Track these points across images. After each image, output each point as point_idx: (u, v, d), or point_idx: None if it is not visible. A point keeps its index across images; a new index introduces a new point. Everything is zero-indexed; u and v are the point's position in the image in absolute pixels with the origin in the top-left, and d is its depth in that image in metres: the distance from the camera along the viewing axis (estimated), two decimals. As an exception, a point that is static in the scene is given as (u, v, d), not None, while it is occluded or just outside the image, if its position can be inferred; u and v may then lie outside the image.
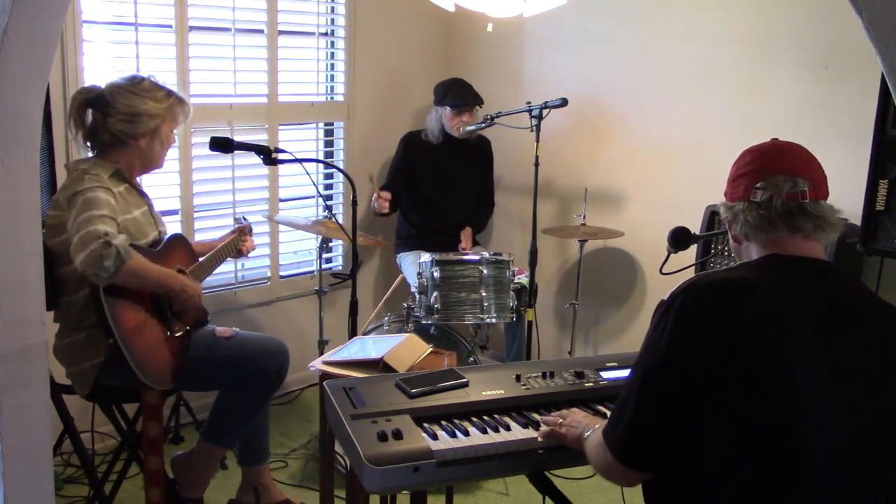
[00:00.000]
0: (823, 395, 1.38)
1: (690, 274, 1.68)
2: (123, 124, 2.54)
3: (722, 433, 1.39)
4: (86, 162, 2.55)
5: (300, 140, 4.09)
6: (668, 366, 1.43)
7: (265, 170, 3.76)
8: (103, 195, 2.40)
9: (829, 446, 1.38)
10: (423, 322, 3.28)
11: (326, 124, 4.16)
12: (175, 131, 2.73)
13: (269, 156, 2.74)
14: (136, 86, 2.57)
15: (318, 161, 3.87)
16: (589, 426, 1.68)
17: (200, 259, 2.79)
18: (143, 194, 2.71)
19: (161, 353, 2.48)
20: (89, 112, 2.55)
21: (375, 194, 3.83)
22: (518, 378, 1.99)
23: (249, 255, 3.09)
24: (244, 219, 3.11)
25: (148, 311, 2.48)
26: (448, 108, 3.92)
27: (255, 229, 3.82)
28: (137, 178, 2.73)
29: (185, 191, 3.52)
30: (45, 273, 2.45)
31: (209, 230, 3.66)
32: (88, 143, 2.60)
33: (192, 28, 3.45)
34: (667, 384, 1.43)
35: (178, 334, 2.57)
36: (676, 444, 1.44)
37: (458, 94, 3.91)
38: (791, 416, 1.36)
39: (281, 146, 3.30)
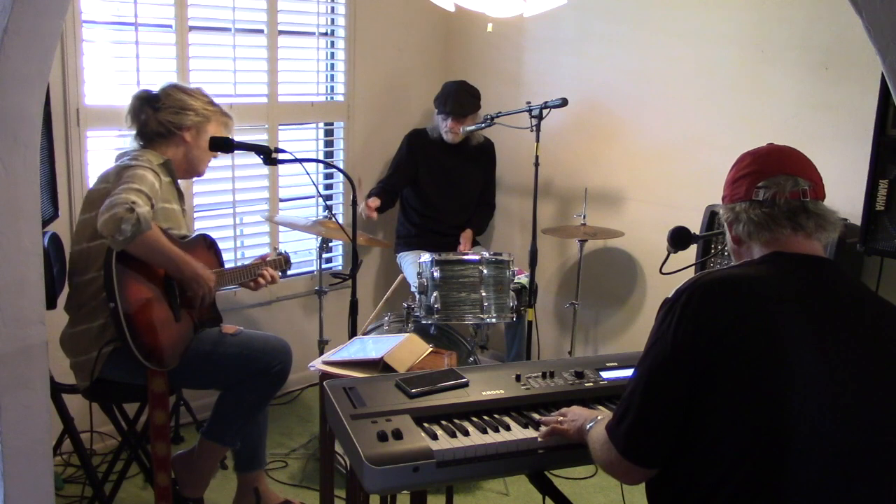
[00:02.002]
0: (825, 395, 1.39)
1: (690, 274, 1.68)
2: (172, 115, 2.70)
3: (725, 431, 1.39)
4: (138, 150, 2.68)
5: (300, 140, 4.09)
6: (673, 362, 1.43)
7: (265, 170, 3.76)
8: (150, 175, 2.50)
9: (830, 446, 1.38)
10: (423, 322, 3.28)
11: (326, 124, 4.16)
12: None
13: (269, 156, 2.74)
14: (187, 88, 2.78)
15: (318, 161, 3.87)
16: (590, 418, 1.69)
17: (226, 267, 2.82)
18: (181, 195, 2.78)
19: (162, 334, 2.50)
20: (145, 109, 2.71)
21: (363, 203, 3.82)
22: (518, 378, 1.99)
23: (267, 286, 2.98)
24: (277, 251, 3.08)
25: (157, 293, 2.51)
26: (439, 113, 3.94)
27: (256, 229, 3.86)
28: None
29: (185, 191, 3.51)
30: (53, 268, 2.52)
31: (209, 230, 3.66)
32: (139, 137, 2.73)
33: (192, 28, 3.45)
34: (672, 380, 1.44)
35: (183, 322, 2.58)
36: (680, 442, 1.44)
37: (445, 102, 3.89)
38: (792, 415, 1.36)
39: (281, 146, 3.30)
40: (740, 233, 1.57)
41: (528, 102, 3.44)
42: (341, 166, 4.08)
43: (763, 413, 1.37)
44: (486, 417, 1.85)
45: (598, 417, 1.66)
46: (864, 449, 1.42)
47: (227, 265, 2.87)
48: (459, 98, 3.89)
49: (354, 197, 2.88)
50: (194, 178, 3.06)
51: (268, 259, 2.98)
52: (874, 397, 1.43)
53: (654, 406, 1.46)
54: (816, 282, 1.50)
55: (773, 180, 1.53)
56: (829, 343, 1.42)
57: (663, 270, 2.32)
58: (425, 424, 1.77)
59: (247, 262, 3.02)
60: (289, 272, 3.20)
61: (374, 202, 3.84)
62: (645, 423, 1.47)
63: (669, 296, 1.49)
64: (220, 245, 3.11)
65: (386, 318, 3.37)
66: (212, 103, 2.79)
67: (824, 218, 1.53)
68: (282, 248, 3.18)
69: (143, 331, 2.43)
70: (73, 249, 2.59)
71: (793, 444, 1.36)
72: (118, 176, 2.48)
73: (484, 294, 3.27)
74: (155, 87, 2.76)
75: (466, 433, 1.75)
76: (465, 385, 1.94)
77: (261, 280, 2.93)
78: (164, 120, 2.68)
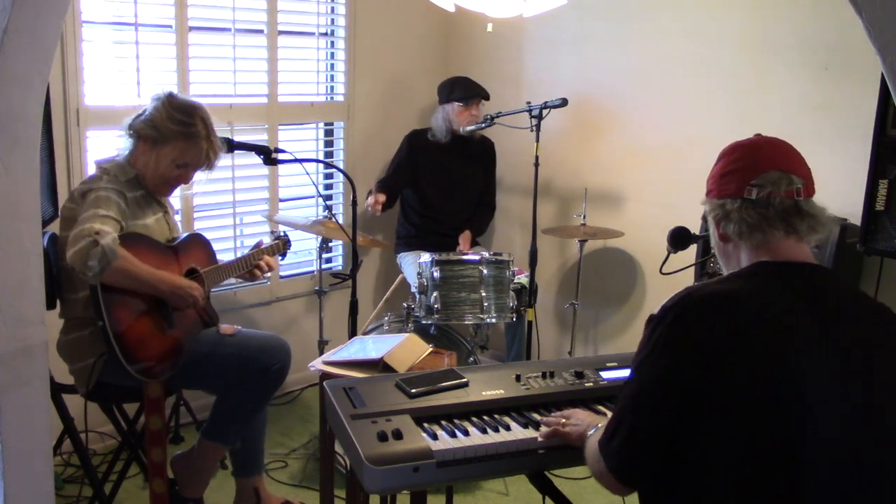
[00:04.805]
0: (828, 404, 1.36)
1: (690, 274, 1.67)
2: (138, 122, 2.58)
3: (726, 447, 1.35)
4: (109, 162, 2.59)
5: (300, 140, 4.09)
6: (662, 383, 1.40)
7: (265, 170, 3.76)
8: (114, 196, 2.44)
9: (836, 455, 1.36)
10: (423, 322, 3.28)
11: (326, 124, 4.16)
12: (177, 163, 2.59)
13: (269, 156, 2.74)
14: (174, 100, 2.59)
15: (318, 161, 3.88)
16: (592, 424, 1.67)
17: (220, 262, 2.79)
18: (159, 203, 2.70)
19: (154, 345, 2.48)
20: (149, 106, 2.61)
21: (372, 198, 3.81)
22: (518, 378, 1.99)
23: (266, 275, 2.97)
24: (274, 234, 3.02)
25: (148, 303, 2.48)
26: (456, 102, 3.93)
27: (255, 230, 3.85)
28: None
29: (184, 190, 3.51)
30: (54, 267, 2.51)
31: (209, 230, 3.66)
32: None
33: (192, 28, 3.45)
34: (662, 401, 1.40)
35: (176, 330, 2.56)
36: (674, 460, 1.41)
37: (465, 88, 3.93)
38: (798, 426, 1.34)
39: (281, 146, 3.30)
40: (730, 232, 1.52)
41: (528, 102, 3.45)
42: (341, 166, 4.08)
43: (769, 427, 1.34)
44: (486, 417, 1.85)
45: (599, 425, 1.63)
46: (870, 454, 1.39)
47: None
48: (466, 84, 3.94)
49: (354, 197, 2.88)
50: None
51: (263, 246, 2.94)
52: (877, 401, 1.40)
53: (644, 428, 1.42)
54: (809, 292, 1.45)
55: (765, 178, 1.47)
56: (825, 350, 1.38)
57: (663, 270, 2.32)
58: (425, 424, 1.77)
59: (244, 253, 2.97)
60: (288, 254, 3.14)
61: (381, 197, 3.83)
62: (635, 444, 1.43)
63: (655, 312, 1.45)
64: (221, 245, 3.12)
65: (386, 318, 3.37)
66: (180, 123, 2.54)
67: (817, 219, 1.48)
68: (281, 230, 3.11)
69: (135, 345, 2.41)
70: (59, 265, 2.54)
71: (802, 455, 1.33)
72: (83, 198, 2.43)
73: (484, 294, 3.26)
74: (172, 92, 2.63)
75: (466, 433, 1.75)
76: (465, 385, 1.94)
77: (257, 272, 2.89)
78: (135, 122, 2.58)
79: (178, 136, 2.56)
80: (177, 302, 2.52)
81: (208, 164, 2.66)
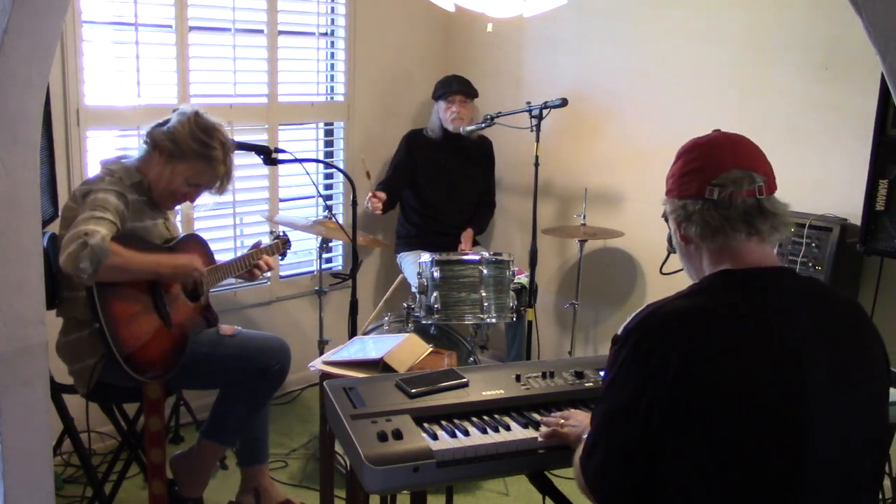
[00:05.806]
0: (825, 405, 1.35)
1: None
2: (160, 130, 2.56)
3: (707, 458, 1.33)
4: (116, 163, 2.57)
5: (300, 140, 4.09)
6: (632, 403, 1.37)
7: (265, 170, 3.76)
8: (113, 198, 2.43)
9: (831, 456, 1.35)
10: (423, 322, 3.28)
11: (326, 124, 4.16)
12: (189, 182, 2.59)
13: (269, 156, 2.74)
14: (200, 119, 2.57)
15: (318, 161, 3.88)
16: (589, 426, 1.68)
17: (218, 263, 2.79)
18: (160, 209, 2.69)
19: (153, 346, 2.48)
20: (171, 118, 2.60)
21: (370, 194, 3.82)
22: (518, 378, 1.99)
23: (264, 275, 2.99)
24: (273, 234, 3.03)
25: (144, 304, 2.48)
26: (440, 100, 3.97)
27: (255, 230, 3.85)
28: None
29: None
30: (54, 267, 2.50)
31: (209, 230, 3.66)
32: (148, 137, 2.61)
33: (192, 28, 3.45)
34: (633, 422, 1.38)
35: (175, 329, 2.57)
36: (654, 480, 1.38)
37: (444, 85, 3.96)
38: (796, 431, 1.33)
39: (281, 146, 3.30)
40: (692, 234, 1.49)
41: (528, 102, 3.45)
42: (341, 166, 4.08)
43: (763, 437, 1.33)
44: (486, 417, 1.85)
45: None
46: (858, 462, 1.40)
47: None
48: (448, 81, 3.97)
49: (354, 197, 2.88)
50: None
51: (262, 246, 2.94)
52: (861, 404, 1.40)
53: (618, 449, 1.41)
54: (774, 298, 1.42)
55: (727, 177, 1.44)
56: (808, 358, 1.36)
57: (663, 270, 2.31)
58: (425, 424, 1.77)
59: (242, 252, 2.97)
60: (288, 254, 3.15)
61: (382, 195, 3.83)
62: (611, 463, 1.42)
63: (619, 332, 1.43)
64: (220, 245, 3.11)
65: (386, 318, 3.37)
66: (202, 145, 2.53)
67: (779, 218, 1.45)
68: (281, 230, 3.12)
69: (133, 346, 2.41)
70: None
71: (805, 463, 1.33)
72: (83, 198, 2.43)
73: (484, 294, 3.26)
74: (199, 110, 2.61)
75: (466, 433, 1.75)
76: (465, 385, 1.94)
77: (256, 271, 2.89)
78: (156, 131, 2.57)
79: (196, 156, 2.55)
80: (183, 280, 2.53)
81: (220, 188, 2.66)
